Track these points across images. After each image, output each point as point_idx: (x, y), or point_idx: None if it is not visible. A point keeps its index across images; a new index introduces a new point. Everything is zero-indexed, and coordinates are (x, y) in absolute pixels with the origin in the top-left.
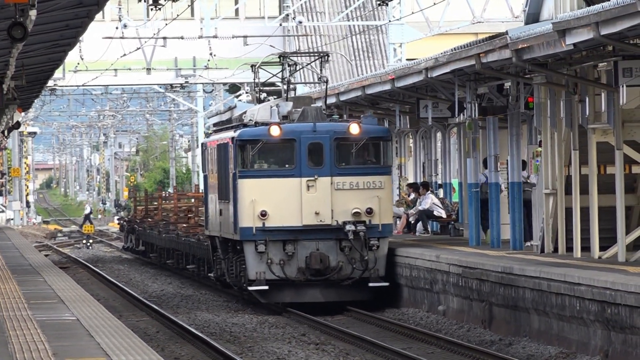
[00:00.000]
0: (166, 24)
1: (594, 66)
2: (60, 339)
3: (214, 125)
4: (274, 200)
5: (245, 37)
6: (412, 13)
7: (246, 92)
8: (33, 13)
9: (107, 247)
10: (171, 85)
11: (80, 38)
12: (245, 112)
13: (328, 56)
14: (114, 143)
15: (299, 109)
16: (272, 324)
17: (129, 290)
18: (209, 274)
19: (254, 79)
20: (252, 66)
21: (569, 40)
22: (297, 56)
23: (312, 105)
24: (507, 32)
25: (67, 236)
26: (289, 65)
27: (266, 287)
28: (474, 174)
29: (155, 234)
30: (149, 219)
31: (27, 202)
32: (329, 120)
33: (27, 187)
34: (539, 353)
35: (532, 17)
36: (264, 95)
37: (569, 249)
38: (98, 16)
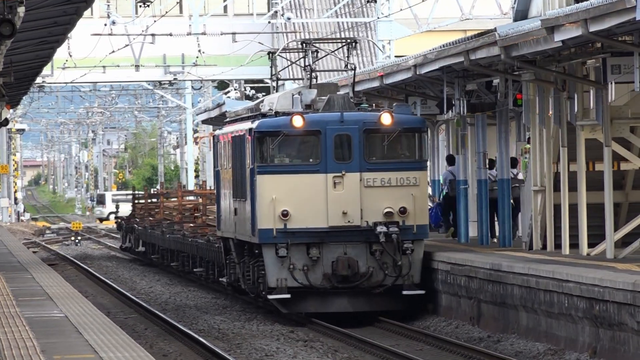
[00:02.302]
0: (155, 21)
1: (583, 63)
2: (48, 335)
3: (203, 122)
4: (297, 199)
5: (233, 34)
6: (401, 10)
7: (234, 89)
8: (21, 10)
9: (95, 244)
10: (160, 82)
11: (69, 35)
12: (262, 101)
13: (356, 42)
14: (102, 140)
15: (323, 97)
16: (261, 321)
17: (118, 288)
18: (220, 279)
19: (271, 67)
20: (269, 54)
21: (557, 37)
22: (321, 43)
23: (338, 92)
24: (495, 29)
25: (55, 233)
26: (312, 53)
27: (288, 296)
28: (463, 171)
29: (158, 234)
30: (150, 218)
31: (16, 199)
32: (358, 110)
33: (16, 184)
34: (527, 350)
35: (521, 14)
36: (252, 92)
37: (558, 245)
38: (86, 13)
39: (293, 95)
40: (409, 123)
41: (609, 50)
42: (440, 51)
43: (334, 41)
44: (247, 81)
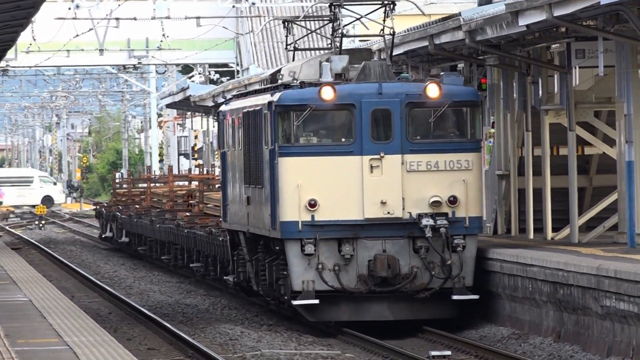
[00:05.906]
0: (119, 5)
1: (547, 48)
2: (12, 320)
3: (167, 106)
4: (327, 186)
5: (198, 18)
6: None
7: (199, 73)
8: None
9: (59, 229)
10: (124, 66)
11: (33, 19)
12: (279, 70)
13: (394, 5)
14: (66, 124)
15: (357, 65)
16: (225, 305)
17: (82, 272)
18: (225, 277)
19: (286, 36)
20: (284, 22)
21: (522, 22)
22: (353, 5)
23: (373, 59)
24: (460, 14)
25: (19, 217)
26: (343, 18)
27: (316, 302)
28: None
29: (147, 224)
30: (136, 205)
31: None
32: (398, 80)
33: None
34: (492, 334)
35: None
36: (217, 76)
37: (522, 230)
38: None
39: (321, 62)
40: (460, 95)
41: (573, 35)
42: (405, 35)
43: (368, 3)
44: (211, 65)
